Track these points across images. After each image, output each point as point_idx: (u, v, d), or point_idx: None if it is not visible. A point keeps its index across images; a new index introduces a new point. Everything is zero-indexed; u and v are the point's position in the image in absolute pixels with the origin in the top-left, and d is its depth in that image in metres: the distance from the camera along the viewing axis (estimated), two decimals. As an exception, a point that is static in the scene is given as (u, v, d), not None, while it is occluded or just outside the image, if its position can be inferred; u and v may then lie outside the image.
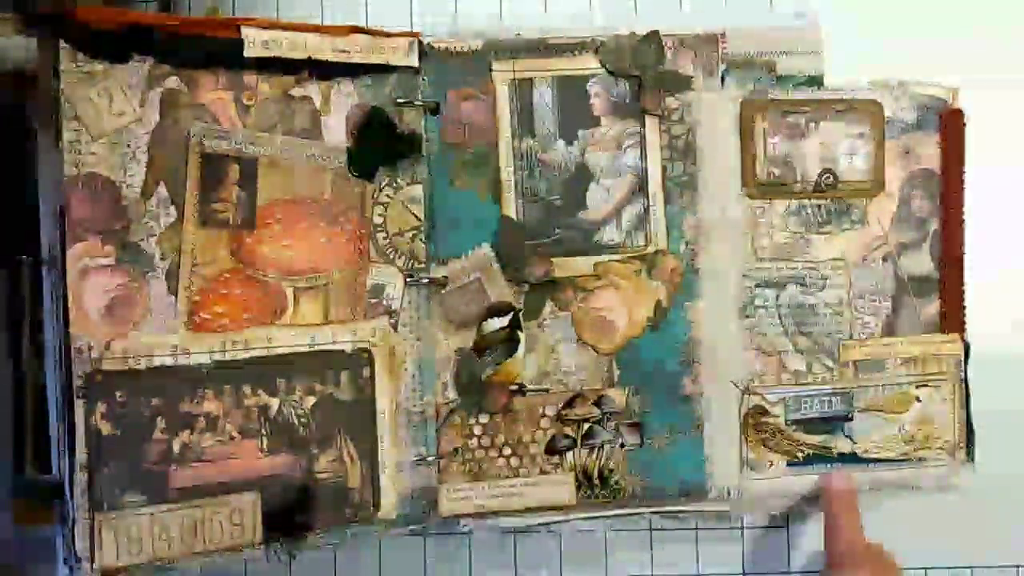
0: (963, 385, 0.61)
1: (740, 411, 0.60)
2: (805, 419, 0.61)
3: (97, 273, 0.52)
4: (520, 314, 0.59)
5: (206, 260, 0.54)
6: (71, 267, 0.52)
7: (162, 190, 0.54)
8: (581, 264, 0.60)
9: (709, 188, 0.60)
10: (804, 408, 0.61)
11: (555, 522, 0.60)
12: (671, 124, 0.60)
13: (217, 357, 0.54)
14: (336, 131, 0.57)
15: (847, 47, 0.60)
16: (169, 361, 0.53)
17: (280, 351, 0.56)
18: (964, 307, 0.61)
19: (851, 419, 0.61)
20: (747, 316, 0.60)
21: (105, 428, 0.52)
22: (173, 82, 0.54)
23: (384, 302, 0.58)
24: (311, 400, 0.56)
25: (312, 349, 0.56)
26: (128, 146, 0.53)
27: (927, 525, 0.62)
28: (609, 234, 0.60)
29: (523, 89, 0.59)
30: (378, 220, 0.58)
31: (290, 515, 0.55)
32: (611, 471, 0.60)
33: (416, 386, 0.59)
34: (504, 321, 0.59)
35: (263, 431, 0.55)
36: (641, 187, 0.60)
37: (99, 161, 0.52)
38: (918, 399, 0.61)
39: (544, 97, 0.59)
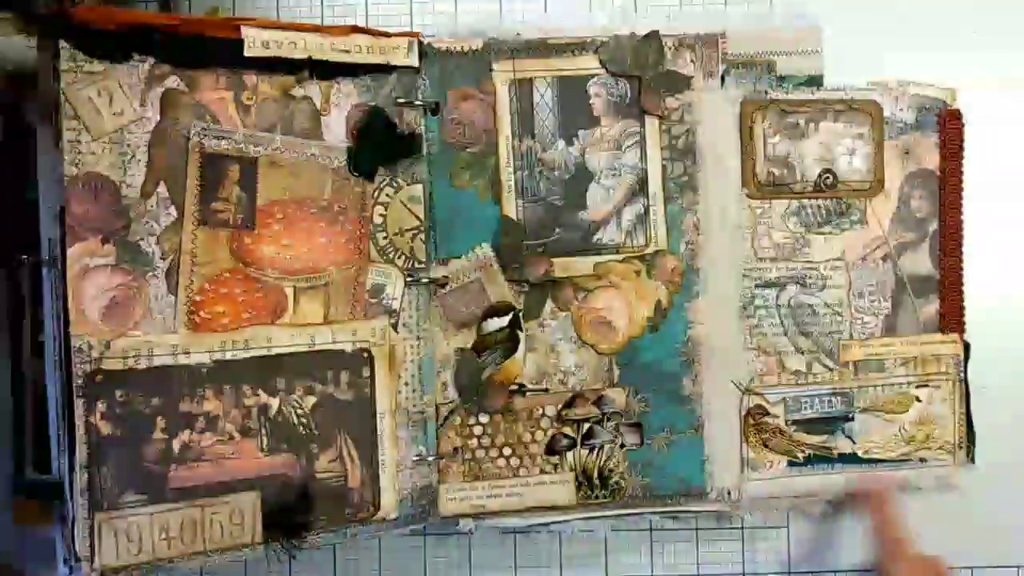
0: (963, 385, 0.61)
1: (740, 411, 0.60)
2: (805, 419, 0.61)
3: (97, 273, 0.52)
4: (520, 314, 0.59)
5: (206, 260, 0.54)
6: (71, 267, 0.52)
7: (162, 190, 0.54)
8: (581, 264, 0.60)
9: (709, 188, 0.60)
10: (804, 408, 0.61)
11: (555, 522, 0.60)
12: (671, 124, 0.60)
13: (217, 357, 0.54)
14: (336, 131, 0.57)
15: (847, 47, 0.61)
16: (169, 361, 0.53)
17: (280, 351, 0.56)
18: (964, 307, 0.61)
19: (851, 419, 0.61)
20: (747, 316, 0.60)
21: (105, 428, 0.52)
22: (173, 82, 0.54)
23: (384, 302, 0.58)
24: (311, 400, 0.56)
25: (312, 349, 0.56)
26: (128, 146, 0.53)
27: (927, 525, 0.62)
28: (609, 234, 0.60)
29: (523, 89, 0.59)
30: (378, 220, 0.58)
31: (290, 515, 0.55)
32: (611, 471, 0.60)
33: (416, 386, 0.59)
34: (504, 321, 0.59)
35: (263, 431, 0.55)
36: (641, 187, 0.60)
37: (99, 161, 0.52)
38: (918, 399, 0.61)
39: (544, 97, 0.59)
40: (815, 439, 0.61)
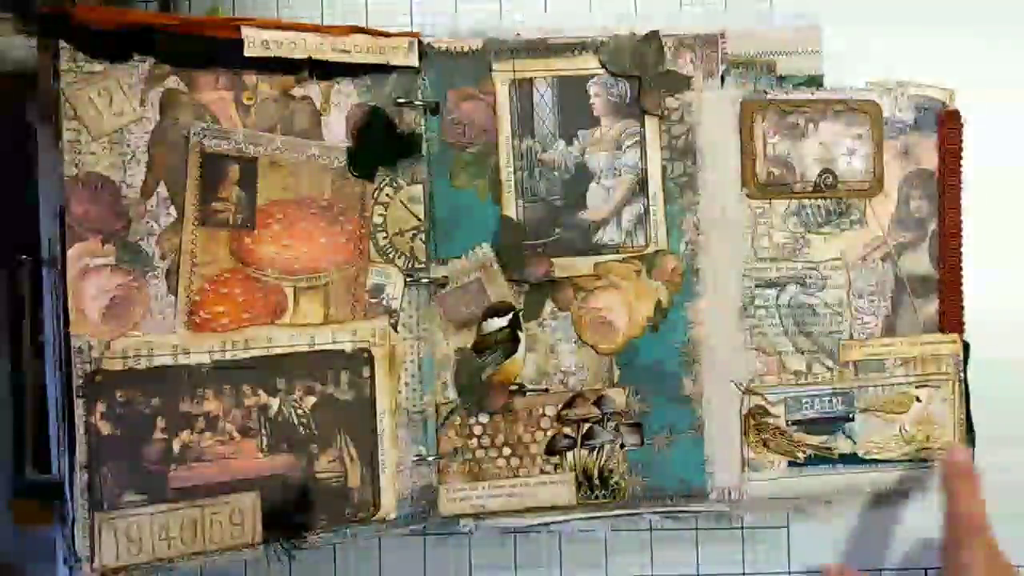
0: (963, 385, 0.61)
1: (740, 411, 0.60)
2: (806, 419, 0.61)
3: (97, 273, 0.52)
4: (520, 314, 0.59)
5: (206, 260, 0.54)
6: (71, 267, 0.52)
7: (162, 190, 0.54)
8: (581, 264, 0.60)
9: (709, 188, 0.60)
10: (804, 408, 0.61)
11: (555, 522, 0.60)
12: (671, 124, 0.60)
13: (217, 357, 0.54)
14: (336, 131, 0.57)
15: (847, 47, 0.61)
16: (169, 361, 0.53)
17: (280, 351, 0.56)
18: (963, 307, 0.61)
19: (852, 419, 0.61)
20: (747, 316, 0.60)
21: (105, 428, 0.52)
22: (173, 82, 0.54)
23: (384, 302, 0.58)
24: (311, 400, 0.56)
25: (312, 349, 0.56)
26: (128, 146, 0.53)
27: (927, 525, 0.62)
28: (609, 234, 0.60)
29: (523, 89, 0.59)
30: (378, 220, 0.58)
31: (290, 515, 0.55)
32: (611, 471, 0.60)
33: (416, 386, 0.58)
34: (504, 321, 0.59)
35: (263, 431, 0.55)
36: (641, 187, 0.60)
37: (99, 161, 0.52)
38: (918, 399, 0.61)
39: (544, 97, 0.59)
40: (815, 439, 0.61)
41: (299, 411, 0.56)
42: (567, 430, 0.60)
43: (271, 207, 0.56)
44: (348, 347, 0.57)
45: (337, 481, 0.57)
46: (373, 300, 0.58)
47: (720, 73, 0.60)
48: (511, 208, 0.59)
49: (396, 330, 0.58)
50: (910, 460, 0.61)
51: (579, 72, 0.59)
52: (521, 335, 0.59)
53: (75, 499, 0.51)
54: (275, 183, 0.56)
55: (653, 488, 0.60)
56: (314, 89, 0.57)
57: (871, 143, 0.61)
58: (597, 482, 0.60)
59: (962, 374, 0.61)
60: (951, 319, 0.61)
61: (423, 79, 0.59)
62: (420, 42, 0.58)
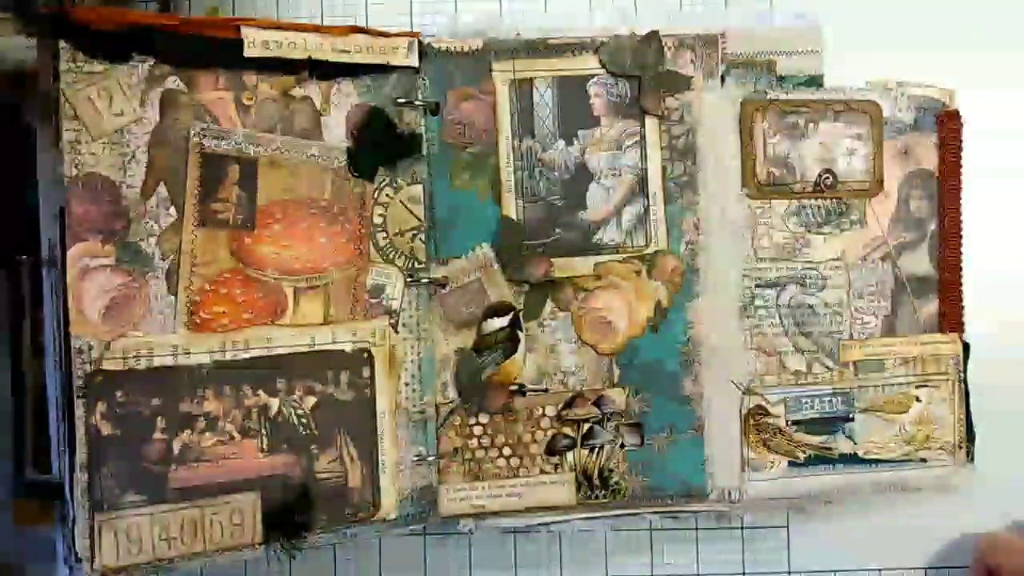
0: (963, 385, 0.61)
1: (740, 411, 0.60)
2: (806, 419, 0.61)
3: (97, 273, 0.52)
4: (520, 314, 0.59)
5: (206, 260, 0.54)
6: (71, 267, 0.52)
7: (162, 190, 0.54)
8: (581, 264, 0.60)
9: (709, 188, 0.60)
10: (804, 408, 0.61)
11: (555, 522, 0.60)
12: (671, 124, 0.60)
13: (217, 357, 0.54)
14: (336, 131, 0.57)
15: (847, 47, 0.61)
16: (169, 361, 0.53)
17: (280, 351, 0.56)
18: (963, 307, 0.61)
19: (852, 419, 0.61)
20: (747, 316, 0.60)
21: (105, 428, 0.52)
22: (173, 82, 0.54)
23: (384, 302, 0.58)
24: (311, 400, 0.56)
25: (312, 349, 0.56)
26: (128, 146, 0.53)
27: (927, 525, 0.62)
28: (609, 234, 0.60)
29: (523, 89, 0.59)
30: (378, 220, 0.58)
31: (290, 515, 0.55)
32: (611, 471, 0.60)
33: (416, 386, 0.58)
34: (504, 321, 0.59)
35: (263, 431, 0.55)
36: (641, 187, 0.60)
37: (99, 161, 0.52)
38: (918, 399, 0.61)
39: (544, 97, 0.59)
40: (815, 439, 0.61)
41: (299, 411, 0.56)
42: (567, 430, 0.60)
43: (271, 207, 0.56)
44: (348, 347, 0.57)
45: (337, 481, 0.57)
46: (373, 300, 0.58)
47: (720, 73, 0.60)
48: (511, 208, 0.59)
49: (396, 330, 0.58)
50: (910, 460, 0.61)
51: (579, 72, 0.59)
52: (521, 335, 0.59)
53: (75, 499, 0.51)
54: (275, 183, 0.56)
55: (653, 488, 0.60)
56: (314, 89, 0.57)
57: (871, 143, 0.61)
58: (597, 482, 0.60)
59: (962, 374, 0.61)
60: (951, 319, 0.61)
61: (423, 79, 0.59)
62: (420, 42, 0.58)
